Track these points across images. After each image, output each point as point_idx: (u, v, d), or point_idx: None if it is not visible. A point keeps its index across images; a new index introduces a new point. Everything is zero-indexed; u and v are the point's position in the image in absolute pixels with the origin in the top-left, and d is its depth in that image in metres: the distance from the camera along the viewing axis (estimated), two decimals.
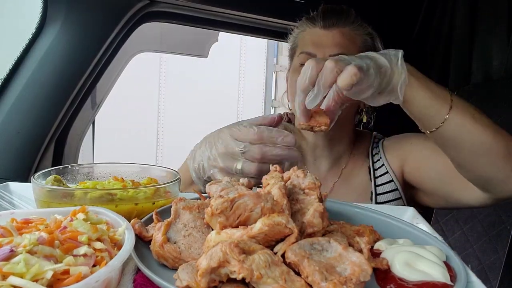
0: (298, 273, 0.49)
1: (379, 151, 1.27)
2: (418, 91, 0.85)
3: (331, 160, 1.27)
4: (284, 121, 1.35)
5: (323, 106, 0.82)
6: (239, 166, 0.83)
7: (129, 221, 0.61)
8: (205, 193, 0.70)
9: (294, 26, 1.33)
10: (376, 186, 1.24)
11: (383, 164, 1.25)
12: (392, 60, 0.84)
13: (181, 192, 0.97)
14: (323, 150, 1.26)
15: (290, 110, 1.36)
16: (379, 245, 0.62)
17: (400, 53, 0.85)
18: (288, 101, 1.31)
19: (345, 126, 1.26)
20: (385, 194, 1.23)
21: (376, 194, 1.23)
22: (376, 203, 1.22)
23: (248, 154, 0.83)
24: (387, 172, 1.23)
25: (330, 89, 0.78)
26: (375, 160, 1.27)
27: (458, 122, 0.87)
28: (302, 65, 1.18)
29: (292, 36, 1.33)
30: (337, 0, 1.29)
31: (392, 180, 1.22)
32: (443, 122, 0.87)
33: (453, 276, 0.55)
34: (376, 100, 0.86)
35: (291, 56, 1.32)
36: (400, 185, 1.22)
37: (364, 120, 1.32)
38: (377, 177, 1.24)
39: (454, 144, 0.91)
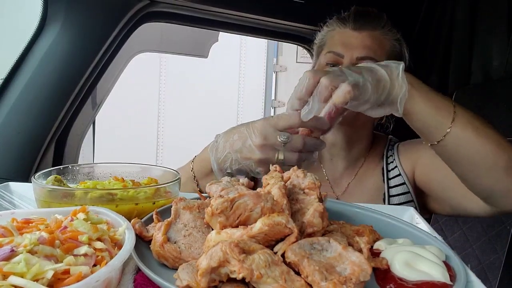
0: (298, 273, 0.49)
1: (393, 154, 1.27)
2: (419, 103, 0.85)
3: (348, 161, 1.27)
4: None
5: (322, 114, 0.84)
6: (281, 156, 0.83)
7: (130, 221, 0.61)
8: (205, 192, 0.70)
9: (322, 24, 1.32)
10: (389, 187, 1.23)
11: (396, 166, 1.24)
12: (393, 73, 0.84)
13: (198, 182, 1.05)
14: (341, 150, 1.26)
15: None
16: (378, 245, 0.62)
17: (401, 66, 0.85)
18: None
19: (364, 129, 1.26)
20: (397, 196, 1.22)
21: (389, 196, 1.22)
22: (389, 204, 1.21)
23: (291, 144, 0.83)
24: (399, 175, 1.23)
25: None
26: (389, 162, 1.27)
27: (461, 135, 0.86)
28: (328, 64, 1.21)
29: (320, 34, 1.31)
30: (340, 1, 1.29)
31: (404, 183, 1.22)
32: (445, 135, 0.86)
33: (452, 276, 0.55)
34: (376, 111, 0.87)
35: (317, 53, 1.31)
36: (412, 188, 1.22)
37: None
38: (390, 179, 1.24)
39: (456, 157, 0.90)
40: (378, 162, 1.28)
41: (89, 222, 0.57)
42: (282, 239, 0.53)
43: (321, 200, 0.62)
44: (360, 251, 0.53)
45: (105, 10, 1.41)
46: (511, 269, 1.53)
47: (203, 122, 4.68)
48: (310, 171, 0.68)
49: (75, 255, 0.50)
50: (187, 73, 4.90)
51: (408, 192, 1.22)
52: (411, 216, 0.82)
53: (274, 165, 0.70)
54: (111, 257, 0.52)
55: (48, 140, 1.39)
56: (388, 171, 1.25)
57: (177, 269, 0.52)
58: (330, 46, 1.23)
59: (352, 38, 1.19)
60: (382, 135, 1.37)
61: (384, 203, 1.22)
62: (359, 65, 0.87)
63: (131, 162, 0.89)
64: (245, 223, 0.54)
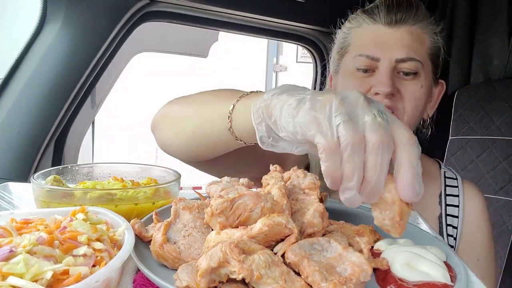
0: (298, 273, 0.49)
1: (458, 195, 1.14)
2: None
3: None
4: None
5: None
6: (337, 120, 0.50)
7: (129, 221, 0.60)
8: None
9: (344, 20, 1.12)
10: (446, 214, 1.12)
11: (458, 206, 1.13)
12: None
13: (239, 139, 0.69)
14: None
15: None
16: (379, 245, 0.62)
17: None
18: None
19: None
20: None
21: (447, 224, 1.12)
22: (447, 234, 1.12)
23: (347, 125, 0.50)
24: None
25: None
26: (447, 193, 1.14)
27: None
28: (359, 69, 1.03)
29: (342, 32, 1.11)
30: (340, 0, 1.27)
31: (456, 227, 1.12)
32: None
33: (453, 276, 0.54)
34: None
35: (340, 56, 1.12)
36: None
37: None
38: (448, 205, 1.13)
39: None
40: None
41: (88, 222, 0.57)
42: (282, 240, 0.53)
43: (321, 200, 0.62)
44: (361, 251, 0.53)
45: (105, 9, 1.41)
46: None
47: None
48: None
49: (74, 256, 0.49)
50: (187, 73, 4.90)
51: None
52: (412, 216, 0.82)
53: (274, 166, 0.70)
54: (111, 258, 0.51)
55: (47, 140, 1.39)
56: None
57: (176, 270, 0.52)
58: (359, 48, 1.05)
59: (388, 36, 1.01)
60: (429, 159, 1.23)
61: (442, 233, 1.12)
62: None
63: (130, 162, 0.88)
64: (245, 223, 0.54)
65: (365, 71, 1.03)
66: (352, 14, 1.10)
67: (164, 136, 0.89)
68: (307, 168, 1.14)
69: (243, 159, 0.96)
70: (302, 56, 5.26)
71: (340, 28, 1.13)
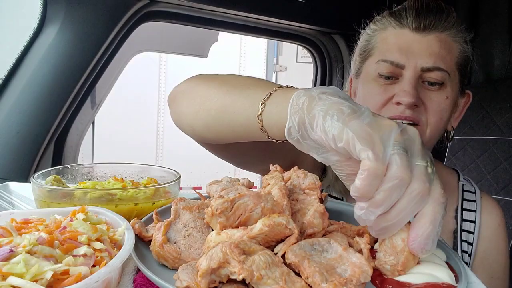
0: (298, 274, 0.49)
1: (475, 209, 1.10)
2: None
3: None
4: None
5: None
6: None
7: (129, 221, 0.60)
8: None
9: (369, 21, 1.07)
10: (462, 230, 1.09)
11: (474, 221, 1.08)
12: None
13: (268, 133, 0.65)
14: None
15: None
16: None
17: None
18: None
19: None
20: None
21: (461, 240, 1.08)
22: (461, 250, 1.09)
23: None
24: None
25: None
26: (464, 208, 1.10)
27: None
28: (382, 76, 0.99)
29: (366, 34, 1.07)
30: (332, 1, 1.25)
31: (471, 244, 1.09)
32: None
33: (456, 276, 0.54)
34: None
35: (363, 59, 1.06)
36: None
37: None
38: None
39: None
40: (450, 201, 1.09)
41: (88, 222, 0.57)
42: (282, 240, 0.53)
43: (321, 200, 0.62)
44: (361, 251, 0.53)
45: (105, 9, 1.41)
46: None
47: None
48: None
49: (74, 256, 0.49)
50: (187, 73, 4.90)
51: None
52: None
53: (274, 166, 0.70)
54: (111, 258, 0.51)
55: (48, 140, 1.39)
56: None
57: (177, 270, 0.52)
58: (383, 53, 1.00)
59: (414, 42, 0.96)
60: (444, 166, 1.19)
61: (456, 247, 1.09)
62: None
63: (130, 162, 0.88)
64: (245, 223, 0.54)
65: (388, 78, 0.99)
66: (378, 15, 1.05)
67: (182, 111, 0.84)
68: (323, 170, 1.10)
69: (258, 149, 0.93)
70: (302, 56, 5.26)
71: (364, 29, 1.08)
